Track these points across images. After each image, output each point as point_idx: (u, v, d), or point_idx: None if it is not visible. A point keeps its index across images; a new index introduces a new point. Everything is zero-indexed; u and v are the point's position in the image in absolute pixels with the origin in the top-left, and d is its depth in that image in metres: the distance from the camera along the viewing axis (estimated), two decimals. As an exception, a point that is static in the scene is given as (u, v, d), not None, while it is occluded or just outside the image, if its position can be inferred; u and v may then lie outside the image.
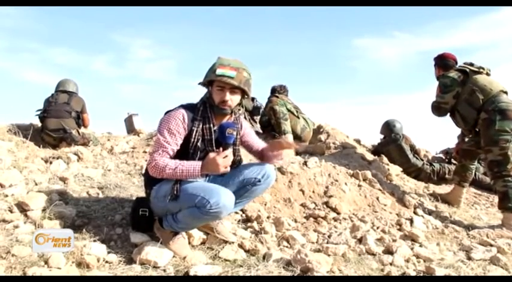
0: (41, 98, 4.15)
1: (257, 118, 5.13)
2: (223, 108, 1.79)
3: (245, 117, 4.63)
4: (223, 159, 1.65)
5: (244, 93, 1.83)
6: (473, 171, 3.33)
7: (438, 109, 3.14)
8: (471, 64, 3.09)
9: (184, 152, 1.78)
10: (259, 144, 2.06)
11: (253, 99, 5.19)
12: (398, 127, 4.39)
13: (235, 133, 1.75)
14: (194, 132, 1.77)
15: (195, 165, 1.69)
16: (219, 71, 1.73)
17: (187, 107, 1.83)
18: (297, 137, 4.11)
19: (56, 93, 4.15)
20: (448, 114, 3.18)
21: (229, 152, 1.70)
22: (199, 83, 1.85)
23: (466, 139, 3.33)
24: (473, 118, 2.94)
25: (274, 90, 4.48)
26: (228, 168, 1.69)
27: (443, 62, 3.26)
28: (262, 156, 2.02)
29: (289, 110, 4.10)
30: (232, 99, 1.79)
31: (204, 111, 1.82)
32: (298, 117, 4.17)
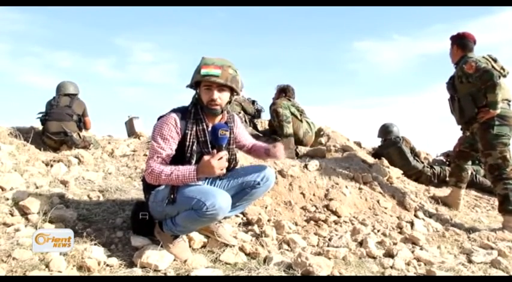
0: (43, 101, 4.17)
1: (258, 121, 5.13)
2: (212, 108, 1.77)
3: (245, 121, 4.63)
4: (218, 162, 1.61)
5: (232, 90, 1.80)
6: (469, 171, 3.32)
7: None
8: (495, 60, 2.93)
9: (181, 157, 1.76)
10: (249, 141, 2.09)
11: (253, 102, 5.20)
12: (395, 130, 4.42)
13: (228, 133, 1.73)
14: (188, 135, 1.75)
15: (190, 169, 1.66)
16: (203, 71, 1.71)
17: (179, 111, 1.81)
18: (299, 141, 4.10)
19: (58, 96, 4.16)
20: (450, 98, 3.09)
21: (223, 153, 1.66)
22: (187, 86, 1.83)
23: (467, 133, 3.16)
24: (471, 116, 2.87)
25: (283, 90, 4.41)
26: (224, 170, 1.66)
27: (462, 42, 2.98)
28: (251, 152, 2.08)
29: (292, 114, 4.09)
30: (221, 98, 1.76)
31: (196, 113, 1.80)
32: (301, 121, 4.15)
